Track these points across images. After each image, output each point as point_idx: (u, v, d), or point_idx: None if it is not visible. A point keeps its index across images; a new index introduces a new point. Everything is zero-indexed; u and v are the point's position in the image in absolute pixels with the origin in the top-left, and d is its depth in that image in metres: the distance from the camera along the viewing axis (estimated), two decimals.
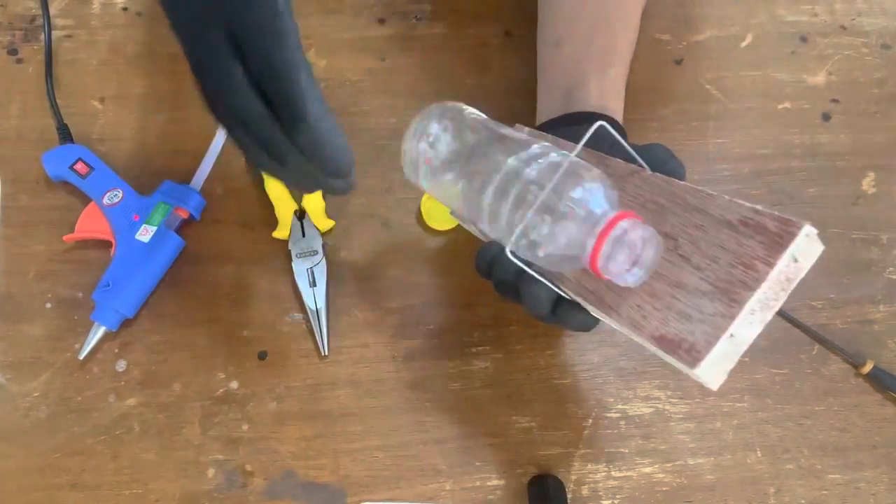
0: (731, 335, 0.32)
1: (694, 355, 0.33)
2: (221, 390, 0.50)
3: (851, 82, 0.62)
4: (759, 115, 0.61)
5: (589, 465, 0.50)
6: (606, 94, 0.50)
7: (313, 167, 0.37)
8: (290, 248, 0.53)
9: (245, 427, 0.50)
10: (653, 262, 0.34)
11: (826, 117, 0.61)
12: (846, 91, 0.62)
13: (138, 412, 0.50)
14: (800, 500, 0.50)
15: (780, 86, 0.62)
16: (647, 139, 0.59)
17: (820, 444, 0.52)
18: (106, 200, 0.53)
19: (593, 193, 0.34)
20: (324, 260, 0.52)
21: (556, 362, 0.52)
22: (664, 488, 0.50)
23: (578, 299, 0.39)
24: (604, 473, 0.50)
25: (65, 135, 0.55)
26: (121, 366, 0.51)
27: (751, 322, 0.32)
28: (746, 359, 0.53)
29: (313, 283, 0.52)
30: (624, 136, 0.48)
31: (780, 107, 0.61)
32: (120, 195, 0.53)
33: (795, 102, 0.61)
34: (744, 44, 0.63)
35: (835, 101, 0.61)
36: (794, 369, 0.53)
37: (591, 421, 0.51)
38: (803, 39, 0.64)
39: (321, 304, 0.51)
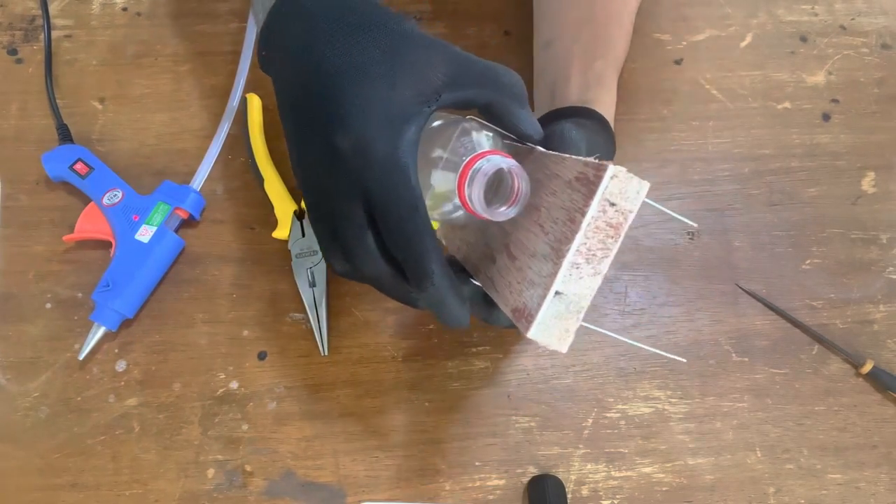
0: (558, 293, 0.32)
1: (529, 320, 0.32)
2: (221, 390, 0.50)
3: (851, 82, 0.62)
4: (759, 115, 0.61)
5: (589, 465, 0.50)
6: (591, 85, 0.50)
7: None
8: (289, 248, 0.53)
9: (245, 427, 0.50)
10: (521, 195, 0.35)
11: (826, 117, 0.61)
12: (846, 91, 0.62)
13: (138, 412, 0.50)
14: (800, 500, 0.50)
15: (780, 86, 0.62)
16: (647, 139, 0.59)
17: (820, 444, 0.52)
18: (106, 200, 0.53)
19: (472, 143, 0.36)
20: (323, 260, 0.52)
21: (556, 362, 0.52)
22: (664, 488, 0.50)
23: (477, 282, 0.39)
24: (604, 473, 0.50)
25: (64, 135, 0.55)
26: (121, 366, 0.51)
27: (579, 276, 0.31)
28: (746, 359, 0.53)
29: (313, 283, 0.52)
30: (609, 128, 0.49)
31: (780, 107, 0.61)
32: (120, 195, 0.53)
33: (795, 102, 0.61)
34: (744, 44, 0.63)
35: (835, 101, 0.62)
36: (794, 369, 0.53)
37: (591, 421, 0.51)
38: (803, 39, 0.64)
39: (321, 305, 0.51)
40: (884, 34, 0.64)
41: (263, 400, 0.50)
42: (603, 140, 0.47)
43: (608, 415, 0.51)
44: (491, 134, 0.38)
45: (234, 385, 0.51)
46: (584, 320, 0.33)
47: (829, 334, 0.54)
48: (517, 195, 0.35)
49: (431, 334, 0.53)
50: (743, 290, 0.55)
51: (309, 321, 0.51)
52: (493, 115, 0.39)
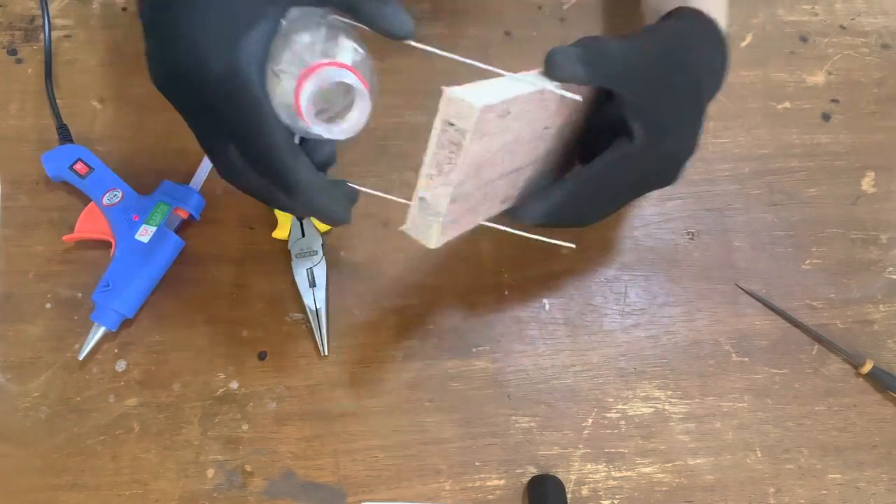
0: (421, 198, 0.37)
1: (406, 219, 0.38)
2: (221, 390, 0.50)
3: (851, 82, 0.62)
4: (759, 115, 0.61)
5: (589, 465, 0.50)
6: None
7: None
8: (289, 247, 0.53)
9: (245, 427, 0.50)
10: (354, 120, 0.36)
11: (826, 117, 0.61)
12: (846, 91, 0.62)
13: (138, 412, 0.50)
14: (800, 500, 0.50)
15: (780, 86, 0.62)
16: None
17: (820, 444, 0.52)
18: (105, 200, 0.52)
19: (319, 51, 0.36)
20: (323, 260, 0.52)
21: (556, 362, 0.52)
22: (664, 488, 0.50)
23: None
24: (604, 473, 0.50)
25: (64, 135, 0.55)
26: (121, 366, 0.51)
27: (435, 185, 0.36)
28: (746, 359, 0.53)
29: (313, 284, 0.52)
30: (709, 25, 0.45)
31: (780, 107, 0.61)
32: (119, 195, 0.53)
33: (795, 102, 0.61)
34: (744, 44, 0.63)
35: (835, 101, 0.62)
36: (794, 369, 0.53)
37: (591, 421, 0.51)
38: (803, 39, 0.64)
39: (321, 305, 0.51)
40: (884, 34, 0.64)
41: (263, 400, 0.50)
42: (699, 39, 0.44)
43: (608, 415, 0.51)
44: (352, 43, 0.37)
45: (234, 385, 0.51)
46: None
47: (829, 334, 0.54)
48: (339, 111, 0.36)
49: (431, 334, 0.53)
50: (743, 290, 0.55)
51: (309, 321, 0.51)
52: (353, 13, 0.37)
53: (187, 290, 0.53)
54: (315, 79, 0.34)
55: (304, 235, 0.53)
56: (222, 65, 0.33)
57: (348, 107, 0.36)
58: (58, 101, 0.57)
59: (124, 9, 0.61)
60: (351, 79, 0.35)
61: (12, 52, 0.59)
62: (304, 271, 0.52)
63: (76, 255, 0.53)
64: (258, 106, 0.34)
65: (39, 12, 0.59)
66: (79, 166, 0.53)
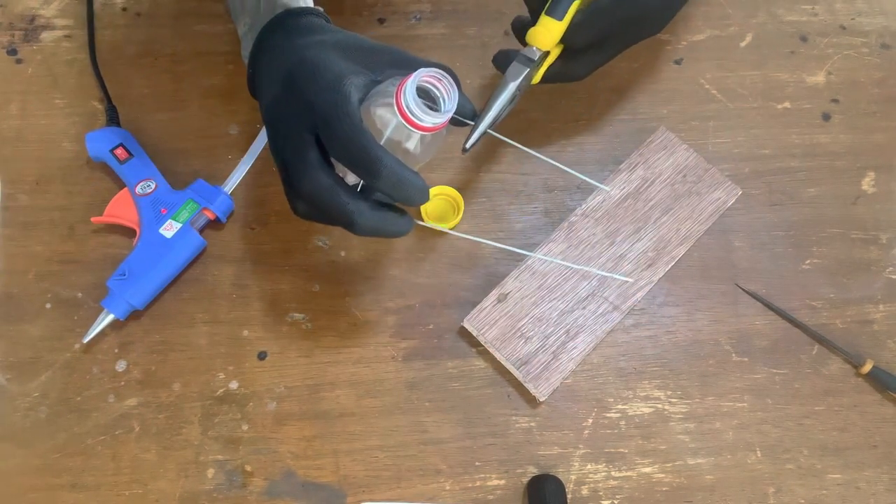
0: None
1: None
2: (221, 390, 0.50)
3: (851, 82, 0.62)
4: (759, 115, 0.61)
5: (589, 465, 0.50)
6: None
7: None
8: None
9: (245, 427, 0.50)
10: (450, 105, 0.40)
11: (826, 117, 0.61)
12: (846, 91, 0.62)
13: (138, 412, 0.50)
14: (800, 500, 0.50)
15: (780, 86, 0.62)
16: (647, 139, 0.59)
17: (820, 444, 0.52)
18: (139, 190, 0.52)
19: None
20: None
21: None
22: (664, 488, 0.50)
23: None
24: (604, 473, 0.50)
25: (112, 117, 0.55)
26: (121, 366, 0.51)
27: None
28: (746, 359, 0.53)
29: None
30: None
31: (780, 107, 0.61)
32: (153, 186, 0.52)
33: (795, 102, 0.61)
34: (744, 44, 0.63)
35: (835, 101, 0.62)
36: (794, 369, 0.53)
37: (591, 421, 0.51)
38: (803, 39, 0.64)
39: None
40: (884, 34, 0.64)
41: (263, 400, 0.50)
42: None
43: (608, 415, 0.51)
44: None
45: (234, 385, 0.51)
46: None
47: (829, 334, 0.54)
48: (447, 100, 0.40)
49: (431, 334, 0.53)
50: (743, 290, 0.55)
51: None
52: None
53: (187, 290, 0.53)
54: (417, 74, 0.38)
55: None
56: (334, 78, 0.40)
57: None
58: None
59: (124, 9, 0.61)
60: (444, 75, 0.39)
61: (12, 52, 0.59)
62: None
63: (76, 255, 0.53)
64: (348, 102, 0.39)
65: (40, 12, 0.60)
66: (119, 151, 0.53)
